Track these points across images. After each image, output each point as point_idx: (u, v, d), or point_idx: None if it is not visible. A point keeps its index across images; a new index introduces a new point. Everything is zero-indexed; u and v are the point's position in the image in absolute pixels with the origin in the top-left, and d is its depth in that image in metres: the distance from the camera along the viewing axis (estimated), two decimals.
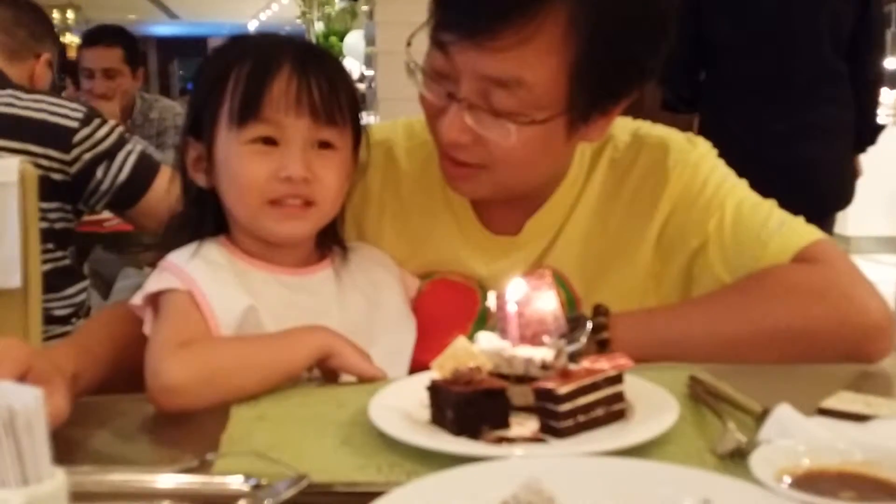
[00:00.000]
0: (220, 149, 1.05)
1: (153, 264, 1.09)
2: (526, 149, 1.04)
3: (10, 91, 2.15)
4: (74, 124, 2.12)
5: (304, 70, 1.03)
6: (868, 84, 2.82)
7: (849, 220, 5.16)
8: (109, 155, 2.18)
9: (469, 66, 1.01)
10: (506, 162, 1.05)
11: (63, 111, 2.13)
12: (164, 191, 1.99)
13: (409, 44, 1.07)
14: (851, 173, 2.94)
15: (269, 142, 1.03)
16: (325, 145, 1.05)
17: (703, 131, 2.63)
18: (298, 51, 1.06)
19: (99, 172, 2.17)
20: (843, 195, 2.90)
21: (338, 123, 1.05)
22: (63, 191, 2.15)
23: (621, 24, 1.02)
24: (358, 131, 1.11)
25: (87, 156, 2.14)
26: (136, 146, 2.25)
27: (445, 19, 1.03)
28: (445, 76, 1.04)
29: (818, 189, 2.72)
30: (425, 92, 1.08)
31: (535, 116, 1.02)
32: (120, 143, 2.21)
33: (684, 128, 1.26)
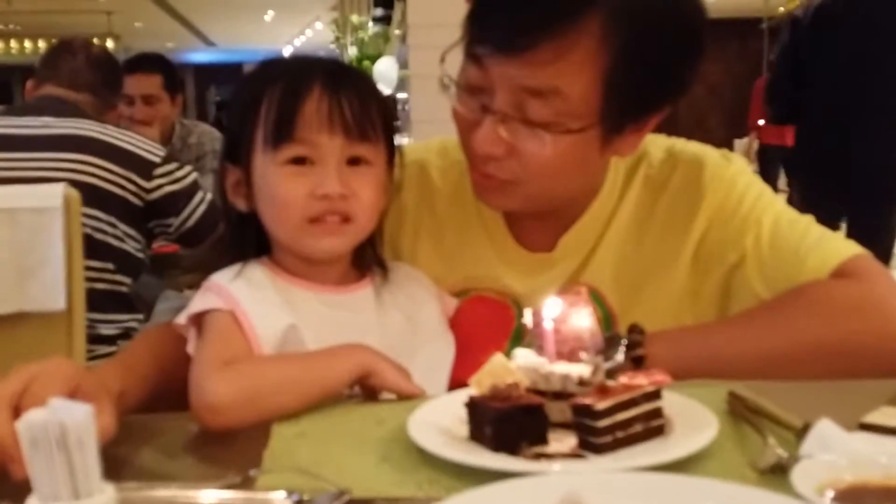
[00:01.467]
0: (257, 172, 1.07)
1: (193, 287, 1.11)
2: (559, 160, 1.05)
3: (96, 123, 2.34)
4: (157, 159, 2.33)
5: (335, 88, 1.05)
6: None
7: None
8: (185, 195, 2.40)
9: (505, 78, 1.02)
10: (539, 174, 1.06)
11: (148, 147, 2.35)
12: None
13: (442, 60, 1.09)
14: None
15: (304, 161, 1.05)
16: (359, 161, 1.07)
17: (799, 141, 3.71)
18: (328, 70, 1.07)
19: (171, 212, 2.37)
20: None
21: (370, 139, 1.06)
22: (135, 216, 2.31)
23: (655, 35, 1.03)
24: (392, 146, 1.12)
25: (167, 188, 2.34)
26: (206, 194, 2.43)
27: (481, 33, 1.04)
28: (480, 89, 1.05)
29: (882, 179, 3.49)
30: (458, 106, 1.09)
31: (570, 126, 1.03)
32: (195, 186, 2.44)
33: (718, 145, 1.26)
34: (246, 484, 0.78)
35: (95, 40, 2.81)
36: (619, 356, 1.03)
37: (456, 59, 1.09)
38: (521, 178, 1.07)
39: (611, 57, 1.01)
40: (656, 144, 1.21)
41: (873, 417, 0.84)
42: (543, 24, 0.99)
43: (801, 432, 0.79)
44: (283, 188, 1.05)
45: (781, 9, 10.57)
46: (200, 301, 1.05)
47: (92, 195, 2.10)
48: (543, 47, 0.99)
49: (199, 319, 1.04)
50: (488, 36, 1.03)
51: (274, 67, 1.12)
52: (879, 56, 3.40)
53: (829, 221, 3.27)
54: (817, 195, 3.56)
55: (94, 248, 2.14)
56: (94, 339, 2.17)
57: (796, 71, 3.57)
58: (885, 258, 3.67)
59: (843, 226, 3.51)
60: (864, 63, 3.42)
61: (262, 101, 1.06)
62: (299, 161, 1.05)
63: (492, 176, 1.09)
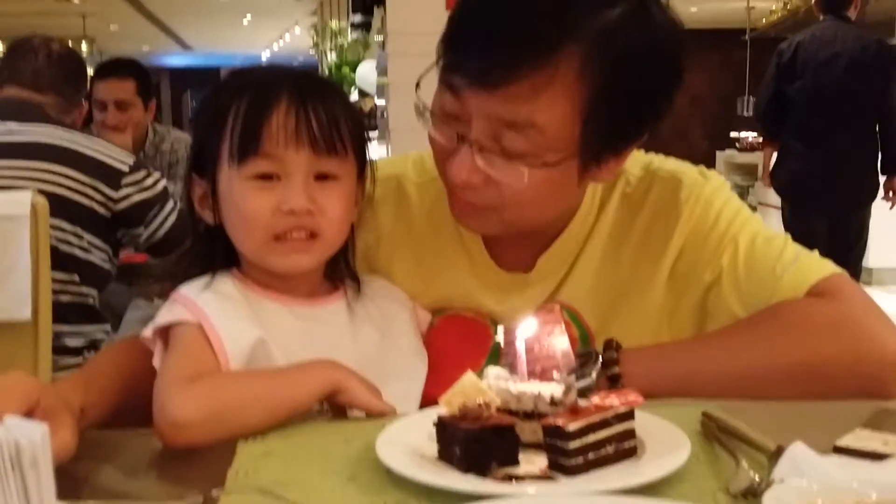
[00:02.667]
0: (222, 186, 1.05)
1: (163, 297, 1.08)
2: (537, 191, 1.03)
3: (62, 128, 2.29)
4: (125, 168, 2.29)
5: (303, 101, 1.02)
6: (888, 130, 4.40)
7: (870, 252, 5.19)
8: (154, 204, 2.36)
9: (480, 109, 1.00)
10: (516, 203, 1.05)
11: (115, 155, 2.30)
12: None
13: (418, 86, 1.07)
14: (872, 180, 4.49)
15: (271, 177, 1.02)
16: (326, 177, 1.04)
17: (780, 155, 4.60)
18: (296, 82, 1.05)
19: (139, 221, 2.33)
20: (868, 192, 4.48)
21: (338, 154, 1.04)
22: (102, 226, 2.26)
23: (633, 69, 1.01)
24: (363, 159, 1.10)
25: (135, 198, 2.30)
26: (178, 202, 2.39)
27: (457, 63, 1.02)
28: (455, 117, 1.03)
29: (849, 185, 4.41)
30: (434, 133, 1.07)
31: (547, 159, 1.01)
32: (164, 195, 2.40)
33: (700, 157, 1.26)
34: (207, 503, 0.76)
35: (70, 43, 2.76)
36: (594, 374, 1.02)
37: (432, 82, 1.07)
38: (498, 205, 1.05)
39: (589, 90, 0.99)
40: (634, 161, 1.20)
41: (847, 441, 0.83)
42: (521, 58, 0.97)
43: (774, 455, 0.78)
44: (248, 204, 1.03)
45: (764, 20, 10.69)
46: (167, 313, 1.03)
47: (57, 205, 2.06)
48: (521, 81, 0.97)
49: (165, 332, 1.02)
50: (464, 67, 1.01)
51: (241, 79, 1.09)
52: (845, 84, 4.28)
53: (811, 226, 4.02)
54: (797, 200, 4.53)
55: (59, 259, 2.10)
56: (60, 349, 2.13)
57: (777, 96, 4.45)
58: (860, 255, 4.64)
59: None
60: (832, 90, 4.29)
61: (229, 113, 1.03)
62: (265, 177, 1.02)
63: (470, 205, 1.07)
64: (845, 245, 4.43)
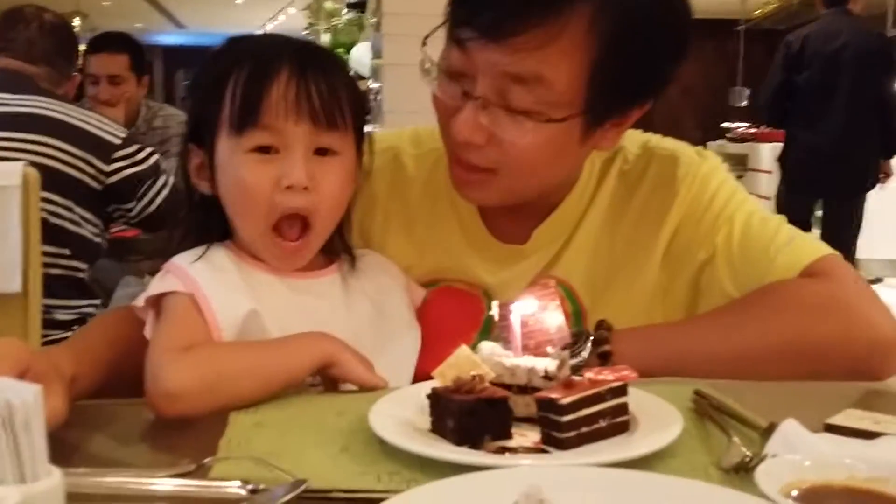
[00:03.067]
0: (220, 156, 1.04)
1: (154, 273, 1.08)
2: (540, 150, 1.03)
3: (54, 99, 2.26)
4: (118, 141, 2.27)
5: (304, 73, 1.01)
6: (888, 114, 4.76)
7: (859, 243, 5.34)
8: (146, 178, 2.34)
9: (488, 63, 1.00)
10: (518, 163, 1.04)
11: (108, 128, 2.28)
12: None
13: (424, 43, 1.06)
14: (872, 167, 4.90)
15: (269, 150, 1.01)
16: (326, 152, 1.03)
17: (787, 140, 5.02)
18: (297, 53, 1.03)
19: (131, 196, 2.31)
20: (867, 178, 4.88)
21: (339, 128, 1.03)
22: (93, 200, 2.24)
23: (642, 27, 1.02)
24: (361, 134, 1.09)
25: (127, 171, 2.28)
26: (170, 178, 2.35)
27: (466, 16, 1.01)
28: (462, 74, 1.03)
29: (849, 172, 4.79)
30: (439, 91, 1.06)
31: (553, 115, 1.01)
32: (156, 169, 2.38)
33: (693, 143, 1.26)
34: (200, 472, 0.75)
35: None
36: (585, 353, 1.02)
37: (436, 45, 1.06)
38: (500, 166, 1.05)
39: (598, 47, 0.99)
40: (632, 139, 1.20)
41: (838, 419, 0.84)
42: (531, 10, 0.97)
43: (766, 432, 0.79)
44: (247, 178, 1.01)
45: (758, 11, 10.67)
46: (160, 283, 1.02)
47: (48, 178, 2.03)
48: (530, 34, 0.97)
49: (157, 302, 1.02)
50: (473, 20, 1.00)
51: (241, 47, 1.08)
52: (849, 74, 4.62)
53: (808, 204, 4.43)
54: (798, 184, 4.95)
55: (49, 232, 2.08)
56: (50, 323, 2.12)
57: (784, 85, 4.80)
58: (856, 234, 4.95)
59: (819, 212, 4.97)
60: (837, 80, 4.64)
61: (228, 82, 1.02)
62: (264, 149, 1.01)
63: (472, 167, 1.06)
64: (842, 229, 4.82)
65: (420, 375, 1.06)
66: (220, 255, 1.06)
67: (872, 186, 4.89)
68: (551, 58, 0.98)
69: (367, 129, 1.11)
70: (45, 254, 2.05)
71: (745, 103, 9.93)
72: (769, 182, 8.39)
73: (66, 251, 2.21)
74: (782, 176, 5.14)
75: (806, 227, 4.86)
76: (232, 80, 1.02)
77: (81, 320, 2.27)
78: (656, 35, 1.03)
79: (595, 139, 1.07)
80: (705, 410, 0.88)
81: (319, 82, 1.01)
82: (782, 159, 5.08)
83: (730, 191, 1.17)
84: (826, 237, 4.69)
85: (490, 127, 1.02)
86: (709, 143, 9.78)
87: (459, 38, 1.02)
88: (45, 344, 2.04)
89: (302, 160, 1.01)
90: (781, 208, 4.96)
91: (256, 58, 1.03)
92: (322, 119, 1.01)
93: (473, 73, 1.01)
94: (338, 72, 1.06)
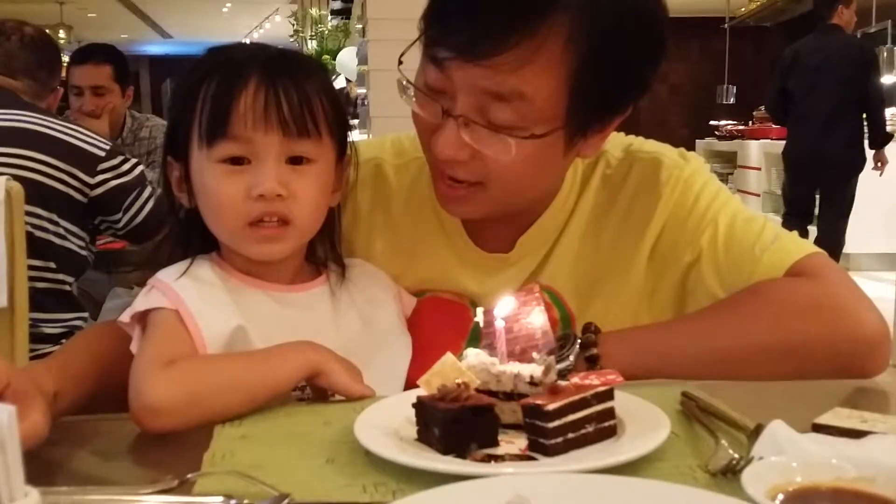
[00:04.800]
0: (194, 168, 1.03)
1: (142, 284, 1.07)
2: (524, 164, 1.02)
3: (37, 113, 2.25)
4: (102, 153, 2.25)
5: (273, 82, 1.00)
6: (874, 109, 5.70)
7: (848, 237, 5.59)
8: (130, 189, 2.32)
9: (466, 82, 0.99)
10: (503, 177, 1.03)
11: (92, 140, 2.26)
12: None
13: (400, 62, 1.05)
14: (857, 157, 5.73)
15: (241, 161, 1.00)
16: (301, 160, 1.02)
17: (787, 138, 5.99)
18: (269, 61, 1.02)
19: (116, 207, 2.30)
20: (855, 166, 5.72)
21: (311, 136, 1.01)
22: (79, 212, 2.23)
23: (619, 36, 1.01)
24: (343, 141, 1.08)
25: (112, 183, 2.26)
26: (156, 189, 2.36)
27: (441, 36, 1.00)
28: (440, 92, 1.02)
29: (839, 161, 5.64)
30: (418, 110, 1.05)
31: (535, 130, 1.00)
32: (142, 180, 2.37)
33: (679, 145, 1.26)
34: (183, 488, 0.74)
35: (47, 31, 2.72)
36: (572, 357, 1.02)
37: (414, 58, 1.06)
38: (485, 180, 1.04)
39: (576, 59, 0.98)
40: (614, 143, 1.20)
41: (826, 418, 0.83)
42: (508, 28, 0.95)
43: (754, 433, 0.78)
44: (219, 190, 1.01)
45: (743, 9, 10.71)
46: (145, 299, 1.01)
47: (33, 191, 2.03)
48: (507, 53, 0.95)
49: (144, 318, 1.01)
50: (449, 40, 0.99)
51: (213, 58, 1.06)
52: (830, 79, 5.48)
53: (810, 193, 5.93)
54: (797, 175, 5.83)
55: (35, 246, 2.07)
56: (38, 337, 2.10)
57: (782, 92, 5.76)
58: (846, 221, 5.75)
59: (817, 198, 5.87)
60: (825, 86, 5.50)
61: (199, 93, 1.01)
62: (236, 160, 1.00)
63: (458, 182, 1.05)
64: (835, 213, 5.69)
65: (410, 385, 1.06)
66: (205, 270, 1.05)
67: (860, 171, 5.70)
68: (531, 74, 0.97)
69: (351, 134, 1.10)
70: (31, 267, 2.04)
71: (732, 101, 9.97)
72: (758, 179, 8.43)
73: (52, 264, 2.20)
74: (785, 168, 5.99)
75: (809, 215, 5.89)
76: (202, 92, 1.01)
77: (69, 334, 2.25)
78: (633, 41, 1.02)
79: (578, 148, 1.07)
80: (693, 412, 0.88)
81: (290, 90, 1.00)
82: (784, 154, 5.92)
83: (713, 192, 1.17)
84: (824, 219, 5.79)
85: (472, 143, 1.01)
86: (697, 141, 9.81)
87: (436, 58, 1.00)
88: (32, 358, 2.03)
89: (273, 170, 1.00)
90: (786, 199, 5.98)
91: (226, 68, 1.02)
92: (293, 128, 1.00)
93: (452, 91, 1.01)
94: (312, 79, 1.04)
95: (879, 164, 5.91)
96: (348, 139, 1.09)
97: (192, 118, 1.01)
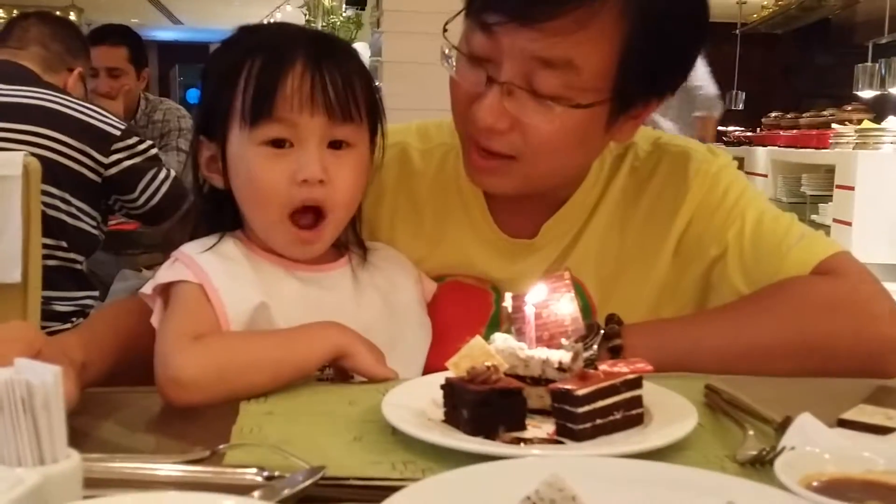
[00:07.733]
0: (232, 149, 1.02)
1: (151, 267, 1.07)
2: (564, 136, 1.02)
3: (53, 91, 2.22)
4: (117, 133, 2.25)
5: (318, 64, 0.99)
6: None
7: (852, 248, 5.53)
8: (145, 170, 2.31)
9: (516, 47, 0.99)
10: (541, 149, 1.03)
11: (107, 119, 2.25)
12: None
13: (445, 29, 1.05)
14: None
15: (283, 143, 1.00)
16: (340, 144, 1.02)
17: None
18: (312, 43, 1.02)
19: (131, 187, 2.30)
20: None
21: (354, 120, 1.02)
22: (92, 192, 2.22)
23: (672, 18, 1.01)
24: (375, 126, 1.08)
25: (126, 163, 2.26)
26: (171, 171, 2.34)
27: (494, 1, 0.99)
28: (485, 59, 1.01)
29: None
30: (460, 77, 1.04)
31: (580, 100, 1.00)
32: (156, 161, 2.36)
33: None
34: (214, 459, 0.75)
35: (58, 13, 2.73)
36: (596, 346, 1.02)
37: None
38: (520, 153, 1.03)
39: (628, 33, 0.99)
40: (643, 136, 1.20)
41: (851, 414, 0.84)
42: None
43: (781, 426, 0.79)
44: (261, 173, 1.00)
45: (755, 15, 10.68)
46: (169, 272, 1.01)
47: (46, 169, 2.02)
48: (562, 18, 0.95)
49: (165, 291, 1.01)
50: (501, 4, 0.98)
51: (254, 37, 1.06)
52: None
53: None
54: None
55: (46, 224, 2.06)
56: (49, 315, 2.11)
57: None
58: None
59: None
60: None
61: (241, 73, 1.00)
62: (278, 143, 1.00)
63: (492, 154, 1.05)
64: None
65: (428, 369, 1.06)
66: (229, 246, 1.05)
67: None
68: (583, 42, 0.97)
69: (383, 120, 1.10)
70: (44, 245, 2.04)
71: (741, 107, 9.95)
72: (765, 185, 8.42)
73: (63, 243, 2.20)
74: None
75: None
76: (245, 72, 1.00)
77: (80, 312, 2.26)
78: (683, 23, 1.03)
79: (616, 128, 1.07)
80: (718, 405, 0.88)
81: (335, 74, 1.00)
82: None
83: (741, 187, 1.17)
84: None
85: (514, 112, 1.00)
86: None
87: (485, 23, 1.00)
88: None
89: (317, 154, 1.00)
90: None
91: (270, 48, 1.01)
92: (337, 111, 1.00)
93: (499, 58, 1.00)
94: (352, 62, 1.04)
95: None
96: (380, 124, 1.09)
97: (232, 97, 1.00)
